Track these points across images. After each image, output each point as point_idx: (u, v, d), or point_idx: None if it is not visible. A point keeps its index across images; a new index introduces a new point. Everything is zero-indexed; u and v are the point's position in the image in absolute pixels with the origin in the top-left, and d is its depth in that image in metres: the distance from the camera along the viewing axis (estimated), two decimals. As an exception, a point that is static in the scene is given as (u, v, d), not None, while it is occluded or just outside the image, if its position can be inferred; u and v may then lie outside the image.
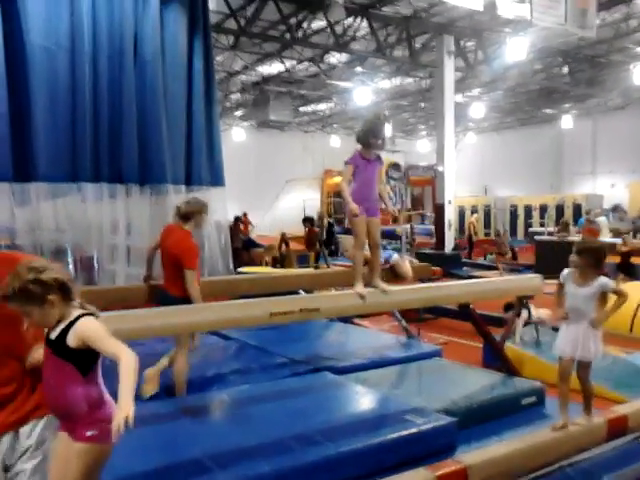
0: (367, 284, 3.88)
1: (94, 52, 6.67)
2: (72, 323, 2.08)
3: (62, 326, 2.09)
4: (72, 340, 2.06)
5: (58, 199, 7.05)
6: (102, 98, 6.76)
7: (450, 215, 15.54)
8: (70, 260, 7.08)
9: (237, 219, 13.61)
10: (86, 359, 2.10)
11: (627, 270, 10.28)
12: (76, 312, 2.12)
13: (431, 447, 3.44)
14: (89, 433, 2.10)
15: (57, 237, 7.49)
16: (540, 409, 4.28)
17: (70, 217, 7.23)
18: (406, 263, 6.08)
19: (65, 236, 7.38)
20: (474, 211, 23.99)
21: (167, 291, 4.41)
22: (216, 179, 7.83)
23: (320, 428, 3.46)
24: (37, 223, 7.03)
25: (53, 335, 2.09)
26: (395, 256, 6.11)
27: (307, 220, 14.90)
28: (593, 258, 3.34)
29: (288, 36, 13.89)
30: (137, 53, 6.96)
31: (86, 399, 2.11)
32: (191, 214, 4.49)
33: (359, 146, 3.81)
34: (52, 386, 2.12)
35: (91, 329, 2.07)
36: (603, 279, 3.37)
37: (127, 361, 2.00)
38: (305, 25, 13.81)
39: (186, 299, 4.18)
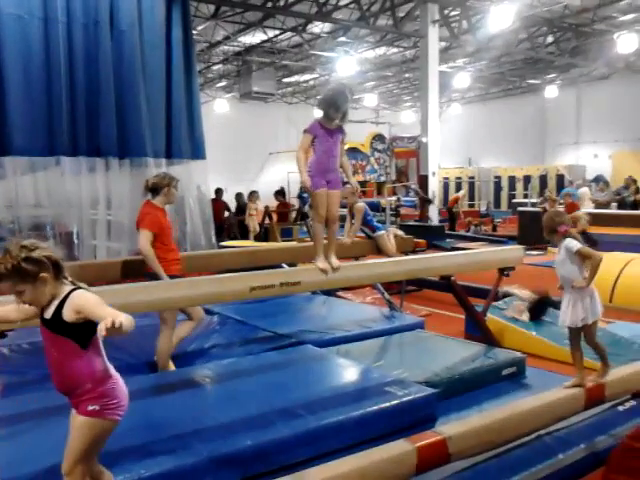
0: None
1: (68, 22, 6.51)
2: (65, 298, 2.10)
3: (56, 303, 2.11)
4: (67, 314, 2.08)
5: (38, 174, 6.93)
6: (78, 69, 6.62)
7: (434, 187, 15.53)
8: (50, 235, 7.00)
9: (218, 191, 13.48)
10: (84, 332, 2.12)
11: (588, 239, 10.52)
12: (68, 288, 2.14)
13: (412, 418, 3.46)
14: (91, 407, 2.15)
15: (36, 212, 7.39)
16: (520, 379, 4.31)
17: (49, 192, 7.13)
18: (391, 238, 6.08)
19: (44, 211, 7.29)
20: (459, 185, 24.02)
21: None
22: (197, 152, 7.74)
23: (301, 401, 3.46)
24: (15, 198, 6.92)
25: (48, 314, 2.12)
26: (381, 232, 6.10)
27: (279, 193, 14.79)
28: (546, 226, 3.58)
29: (270, 5, 13.63)
30: (113, 23, 6.80)
31: (89, 372, 2.15)
32: (159, 187, 4.41)
33: (320, 114, 3.68)
34: (56, 364, 2.16)
35: (85, 298, 2.10)
36: (566, 241, 3.51)
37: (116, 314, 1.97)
38: (287, -7, 13.56)
39: (155, 275, 4.12)
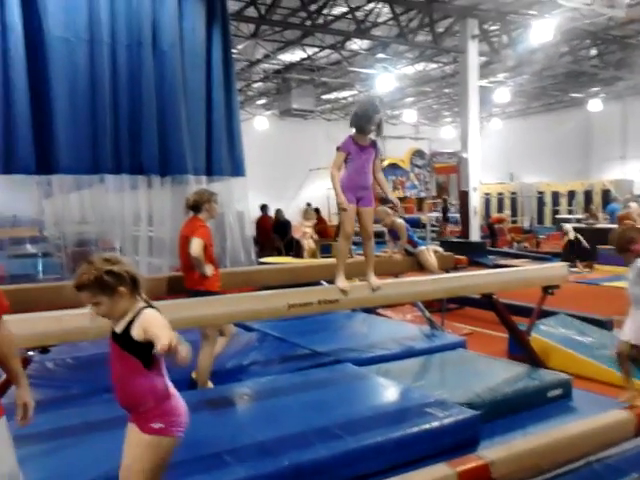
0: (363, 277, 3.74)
1: (113, 43, 6.67)
2: (136, 315, 2.15)
3: (127, 319, 2.16)
4: (136, 332, 2.13)
5: (83, 191, 7.11)
6: (121, 89, 6.77)
7: (475, 202, 15.32)
8: (93, 251, 7.14)
9: (264, 207, 13.32)
10: (149, 351, 2.14)
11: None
12: (141, 305, 2.18)
13: (453, 441, 3.37)
14: (156, 425, 2.17)
15: (81, 229, 7.57)
16: (567, 402, 4.17)
17: (93, 209, 7.30)
18: (431, 254, 5.98)
19: (89, 227, 7.46)
20: (500, 201, 23.66)
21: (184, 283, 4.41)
22: (237, 169, 7.81)
23: (340, 421, 3.41)
24: (62, 215, 7.10)
25: (119, 329, 2.17)
26: (422, 247, 6.02)
27: (314, 210, 14.56)
28: (618, 244, 3.45)
29: (309, 23, 13.76)
30: (155, 43, 6.94)
31: (151, 391, 2.18)
32: (200, 203, 4.46)
33: (353, 131, 3.61)
34: (119, 379, 2.20)
35: (152, 318, 2.13)
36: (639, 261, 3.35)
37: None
38: (326, 11, 13.66)
39: (198, 292, 4.15)
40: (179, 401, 2.27)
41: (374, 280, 3.78)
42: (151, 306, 2.21)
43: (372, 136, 3.63)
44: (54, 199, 7.14)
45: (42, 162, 6.47)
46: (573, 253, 11.60)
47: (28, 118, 6.33)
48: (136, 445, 2.19)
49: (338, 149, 3.60)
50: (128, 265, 2.19)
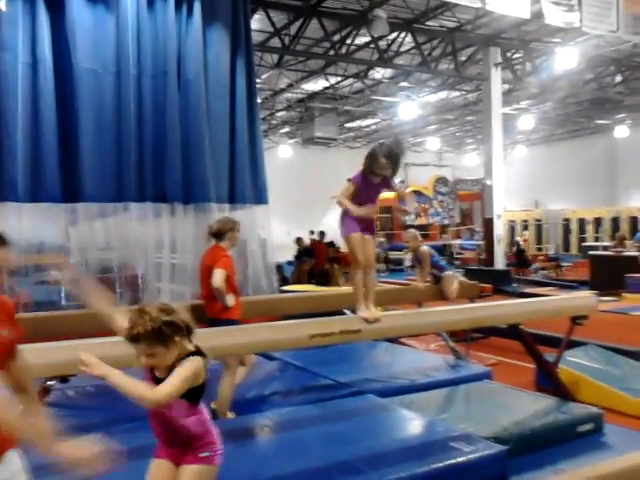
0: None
1: (139, 74, 6.78)
2: (180, 361, 2.11)
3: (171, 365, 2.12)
4: None
5: (108, 218, 7.18)
6: (146, 119, 6.86)
7: (499, 230, 15.16)
8: (117, 278, 7.19)
9: (322, 233, 13.11)
10: (196, 392, 2.15)
11: None
12: (189, 350, 2.14)
13: (479, 477, 3.26)
14: (203, 455, 2.19)
15: (104, 256, 7.62)
16: (598, 437, 4.01)
17: (118, 236, 7.36)
18: (454, 283, 5.89)
19: (112, 254, 7.51)
20: (526, 229, 23.41)
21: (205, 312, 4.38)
22: (260, 197, 7.82)
23: (362, 455, 3.33)
24: (87, 242, 7.17)
25: (162, 374, 2.12)
26: (448, 273, 5.94)
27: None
28: None
29: (332, 53, 13.90)
30: (180, 73, 7.04)
31: (198, 424, 2.19)
32: (223, 232, 4.47)
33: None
34: (165, 421, 2.15)
35: (182, 366, 2.09)
36: None
37: (148, 389, 2.03)
38: (349, 41, 13.80)
39: (219, 321, 4.12)
40: (216, 431, 2.27)
41: (374, 311, 3.70)
42: (199, 352, 2.15)
43: (387, 173, 3.62)
44: (79, 226, 7.22)
45: (68, 190, 6.56)
46: None
47: (55, 148, 6.45)
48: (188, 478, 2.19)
49: (349, 180, 3.66)
50: (182, 313, 2.14)
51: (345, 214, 3.63)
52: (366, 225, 3.66)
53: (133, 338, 2.05)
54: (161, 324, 2.04)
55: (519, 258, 16.62)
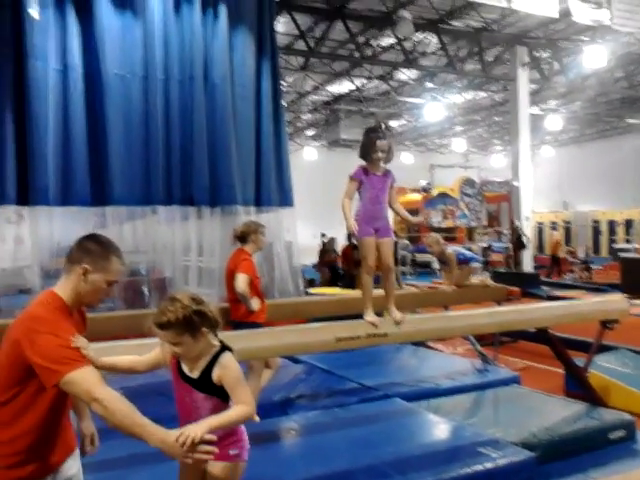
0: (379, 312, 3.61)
1: (166, 78, 6.84)
2: (215, 359, 2.11)
3: (204, 362, 2.12)
4: (216, 377, 2.10)
5: (137, 221, 7.26)
6: (174, 123, 6.92)
7: (528, 232, 14.97)
8: (145, 280, 7.27)
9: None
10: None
11: None
12: (216, 346, 2.14)
13: (508, 484, 3.22)
14: (232, 452, 2.21)
15: (132, 259, 7.70)
16: (630, 445, 3.93)
17: (145, 239, 7.43)
18: (472, 281, 5.84)
19: (140, 257, 7.59)
20: (554, 228, 23.07)
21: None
22: (285, 199, 7.83)
23: (389, 459, 3.32)
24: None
25: (195, 373, 2.12)
26: (475, 264, 5.88)
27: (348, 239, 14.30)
28: None
29: (357, 55, 13.90)
30: (207, 77, 7.08)
31: None
32: (247, 235, 4.49)
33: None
34: (196, 419, 2.10)
35: (230, 370, 2.11)
36: None
37: (242, 408, 2.07)
38: (374, 43, 13.79)
39: (244, 324, 4.14)
40: (243, 428, 2.27)
41: (396, 314, 3.60)
42: (226, 347, 2.16)
43: (384, 164, 3.53)
44: (108, 229, 7.31)
45: (97, 194, 6.64)
46: None
47: (85, 153, 6.53)
48: (217, 476, 2.20)
49: (350, 178, 3.53)
50: (211, 305, 2.13)
51: (357, 216, 3.52)
52: (379, 226, 3.52)
53: (162, 325, 2.03)
54: (192, 312, 2.03)
55: (553, 263, 16.36)
